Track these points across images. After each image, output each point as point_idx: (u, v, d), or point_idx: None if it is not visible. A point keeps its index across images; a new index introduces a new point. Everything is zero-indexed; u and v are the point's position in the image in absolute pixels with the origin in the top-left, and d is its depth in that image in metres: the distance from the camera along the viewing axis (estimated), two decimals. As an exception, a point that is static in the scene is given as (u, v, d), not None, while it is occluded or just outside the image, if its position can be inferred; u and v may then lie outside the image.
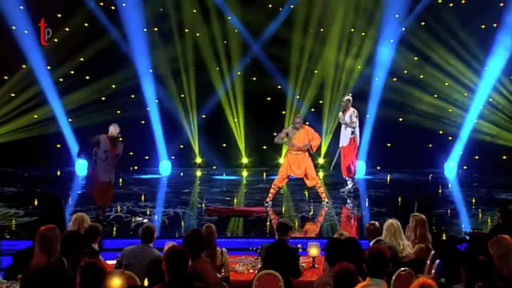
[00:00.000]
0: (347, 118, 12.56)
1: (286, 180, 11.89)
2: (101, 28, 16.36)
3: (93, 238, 6.56)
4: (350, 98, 12.98)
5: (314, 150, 11.76)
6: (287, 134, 11.59)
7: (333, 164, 13.74)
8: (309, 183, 11.72)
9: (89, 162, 10.36)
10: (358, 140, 12.80)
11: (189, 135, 17.28)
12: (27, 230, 9.39)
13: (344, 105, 12.81)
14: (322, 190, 11.79)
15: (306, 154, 11.59)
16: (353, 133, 12.57)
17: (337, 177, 15.55)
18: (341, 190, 12.83)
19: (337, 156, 13.22)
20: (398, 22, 16.69)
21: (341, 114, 12.77)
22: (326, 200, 11.72)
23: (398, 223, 6.88)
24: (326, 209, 11.49)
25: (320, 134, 16.81)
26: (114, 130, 10.20)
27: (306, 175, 11.61)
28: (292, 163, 11.56)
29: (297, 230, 9.90)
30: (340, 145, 12.81)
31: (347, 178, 12.74)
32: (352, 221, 10.97)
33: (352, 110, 12.65)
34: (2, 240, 8.73)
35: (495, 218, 9.75)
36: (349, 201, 12.35)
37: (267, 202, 11.68)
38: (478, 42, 16.56)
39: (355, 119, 12.52)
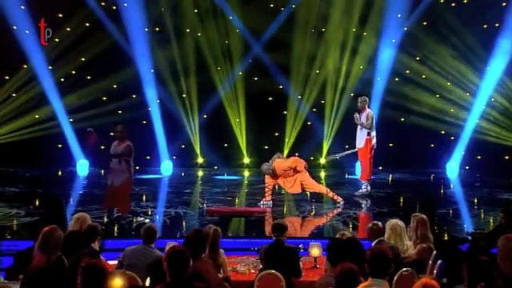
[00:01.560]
0: (363, 119, 12.41)
1: (276, 181, 11.94)
2: (102, 28, 16.36)
3: (92, 237, 6.54)
4: (367, 98, 12.80)
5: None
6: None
7: (337, 155, 13.60)
8: (309, 190, 11.89)
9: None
10: (375, 141, 12.54)
11: (190, 135, 17.27)
12: (28, 230, 9.38)
13: (360, 105, 12.57)
14: (331, 194, 11.82)
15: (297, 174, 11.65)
16: (369, 134, 12.40)
17: (338, 177, 15.58)
18: (356, 193, 12.82)
19: (345, 153, 13.22)
20: (400, 22, 16.67)
21: (357, 114, 12.56)
22: (339, 200, 11.75)
23: (403, 224, 6.87)
24: (340, 209, 11.49)
25: (319, 136, 16.96)
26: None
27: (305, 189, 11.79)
28: (284, 176, 11.66)
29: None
30: (356, 146, 12.73)
31: (363, 181, 12.68)
32: (355, 221, 10.93)
33: (368, 110, 12.49)
34: (3, 240, 8.72)
35: (497, 219, 9.73)
36: (359, 202, 12.32)
37: (263, 202, 11.67)
38: (480, 41, 16.53)
39: (371, 120, 12.37)
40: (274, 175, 11.65)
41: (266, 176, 11.89)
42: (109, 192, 10.35)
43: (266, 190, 11.82)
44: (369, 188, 12.68)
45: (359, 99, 12.74)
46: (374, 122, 12.49)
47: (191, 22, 17.00)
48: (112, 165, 10.21)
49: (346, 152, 13.29)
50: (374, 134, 12.50)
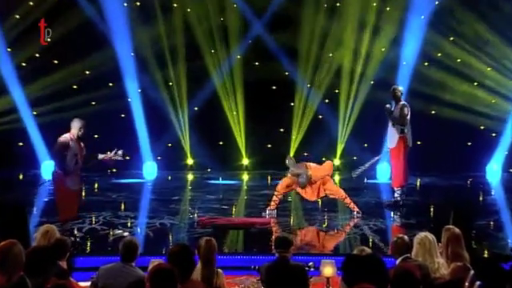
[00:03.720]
0: (396, 113, 12.23)
1: (291, 190, 12.04)
2: (72, 2, 16.37)
3: (60, 254, 6.54)
4: (402, 88, 12.66)
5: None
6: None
7: (360, 170, 13.47)
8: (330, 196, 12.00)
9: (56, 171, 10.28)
10: (410, 141, 12.38)
11: (178, 131, 17.29)
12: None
13: (394, 95, 12.36)
14: (348, 200, 11.91)
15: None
16: (402, 131, 12.23)
17: (356, 181, 15.57)
18: (384, 201, 12.84)
19: (371, 162, 13.16)
20: (431, -6, 16.72)
21: (388, 106, 12.36)
22: (357, 210, 11.82)
23: (433, 237, 6.85)
24: (356, 220, 11.54)
25: (332, 132, 17.00)
26: (77, 127, 10.09)
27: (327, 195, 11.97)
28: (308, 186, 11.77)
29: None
30: (388, 146, 12.65)
31: (396, 189, 12.63)
32: (376, 234, 10.95)
33: (403, 103, 12.26)
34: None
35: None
36: (381, 212, 12.35)
37: (268, 211, 11.75)
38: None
39: (405, 114, 12.15)
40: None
41: (284, 181, 11.89)
42: (76, 199, 10.30)
43: (275, 198, 11.85)
44: (403, 197, 12.60)
45: (394, 88, 12.55)
46: (408, 116, 12.31)
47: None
48: (77, 168, 10.12)
49: (372, 161, 13.22)
50: (408, 130, 12.29)
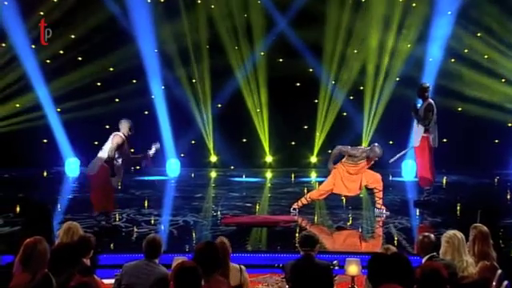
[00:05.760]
0: (421, 111, 12.05)
1: (326, 195, 11.95)
2: (96, -1, 16.49)
3: (84, 251, 6.57)
4: (429, 85, 12.48)
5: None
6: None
7: (393, 159, 13.40)
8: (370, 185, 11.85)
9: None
10: (436, 141, 12.20)
11: (202, 129, 17.32)
12: (8, 243, 9.47)
13: (421, 93, 12.22)
14: (381, 194, 11.72)
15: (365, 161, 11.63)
16: (426, 131, 12.12)
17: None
18: (415, 200, 12.80)
19: (401, 153, 12.99)
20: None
21: (416, 104, 12.28)
22: (383, 208, 11.71)
23: (462, 235, 6.80)
24: (383, 218, 11.46)
25: (357, 129, 16.93)
26: (126, 127, 10.53)
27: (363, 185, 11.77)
28: (345, 178, 11.58)
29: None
30: (413, 144, 12.55)
31: (425, 188, 12.55)
32: (401, 233, 10.90)
33: (429, 102, 12.11)
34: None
35: None
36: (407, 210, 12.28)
37: (294, 209, 11.72)
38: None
39: (430, 115, 12.02)
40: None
41: (328, 182, 11.78)
42: (110, 192, 10.58)
43: (303, 200, 11.76)
44: (430, 196, 12.49)
45: (421, 86, 12.39)
46: (434, 115, 12.12)
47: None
48: (121, 165, 10.50)
49: (402, 152, 13.05)
50: (432, 130, 12.13)
